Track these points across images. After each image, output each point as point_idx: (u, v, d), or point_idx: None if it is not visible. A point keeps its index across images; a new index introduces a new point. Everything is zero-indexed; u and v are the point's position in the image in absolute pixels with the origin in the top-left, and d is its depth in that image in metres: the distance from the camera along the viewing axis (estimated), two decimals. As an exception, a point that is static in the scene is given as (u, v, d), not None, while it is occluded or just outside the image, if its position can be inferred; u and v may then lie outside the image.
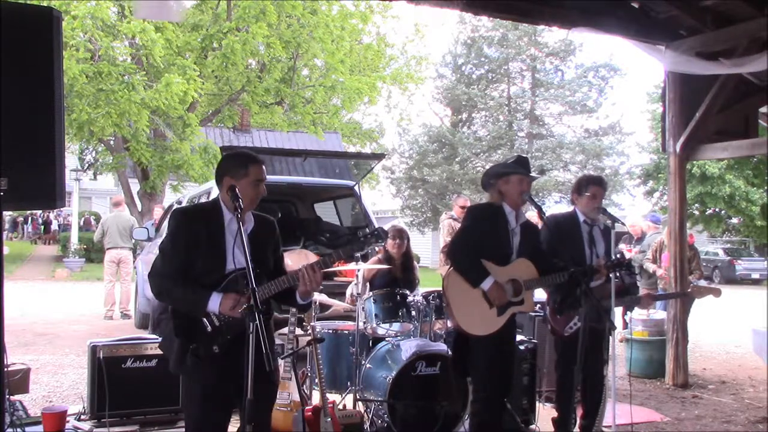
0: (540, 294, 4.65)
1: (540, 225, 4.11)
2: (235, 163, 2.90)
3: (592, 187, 4.20)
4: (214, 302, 2.77)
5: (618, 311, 7.42)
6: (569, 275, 3.75)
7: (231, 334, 2.81)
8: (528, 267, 3.77)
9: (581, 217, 4.24)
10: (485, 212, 3.87)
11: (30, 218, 34.69)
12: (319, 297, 4.85)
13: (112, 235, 10.33)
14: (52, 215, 32.50)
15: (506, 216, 3.79)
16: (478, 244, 3.73)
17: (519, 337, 4.63)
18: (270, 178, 3.18)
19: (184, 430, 3.01)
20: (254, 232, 2.91)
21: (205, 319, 2.82)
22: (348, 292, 5.49)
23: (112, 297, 10.39)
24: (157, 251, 2.95)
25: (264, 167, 2.93)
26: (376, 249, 5.48)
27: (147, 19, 11.66)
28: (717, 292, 4.67)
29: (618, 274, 4.03)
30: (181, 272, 2.81)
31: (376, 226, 7.02)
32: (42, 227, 33.24)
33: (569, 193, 4.49)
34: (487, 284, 3.64)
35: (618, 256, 4.17)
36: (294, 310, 4.17)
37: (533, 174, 3.86)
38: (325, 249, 7.01)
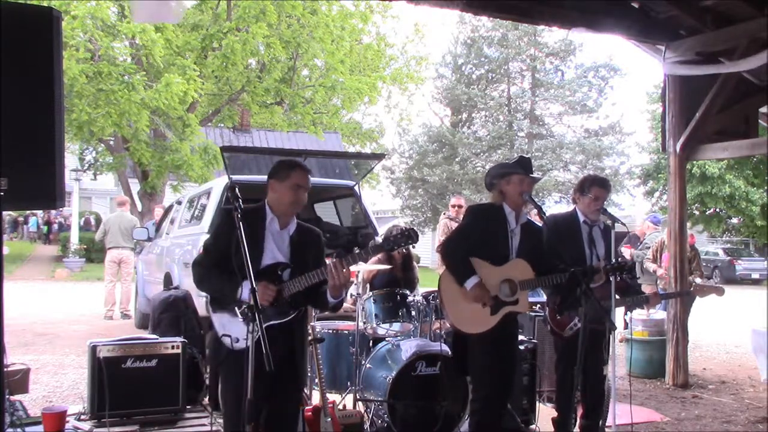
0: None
1: (540, 224, 4.11)
2: (281, 167, 3.10)
3: (595, 188, 4.17)
4: (246, 290, 2.88)
5: (619, 311, 7.41)
6: (569, 275, 3.75)
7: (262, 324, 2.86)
8: (524, 267, 3.77)
9: (581, 218, 4.22)
10: (486, 212, 3.87)
11: (31, 217, 34.64)
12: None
13: (113, 234, 10.33)
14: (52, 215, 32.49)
15: (506, 216, 3.78)
16: (473, 243, 3.73)
17: (519, 337, 4.62)
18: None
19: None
20: (296, 235, 3.11)
21: (237, 309, 2.95)
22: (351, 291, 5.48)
23: (112, 297, 10.38)
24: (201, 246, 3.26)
25: (309, 176, 3.09)
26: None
27: (146, 22, 11.65)
28: (720, 291, 4.66)
29: (620, 277, 4.02)
30: (219, 264, 2.97)
31: (377, 226, 7.07)
32: (45, 227, 33.17)
33: (570, 192, 4.47)
34: (470, 283, 3.64)
35: (619, 259, 4.14)
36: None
37: (535, 175, 3.86)
38: (325, 249, 6.99)
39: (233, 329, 2.96)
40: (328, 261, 3.08)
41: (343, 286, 2.98)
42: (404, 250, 5.18)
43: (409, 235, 2.93)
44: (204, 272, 3.06)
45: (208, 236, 3.26)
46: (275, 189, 3.06)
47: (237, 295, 2.93)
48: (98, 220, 24.71)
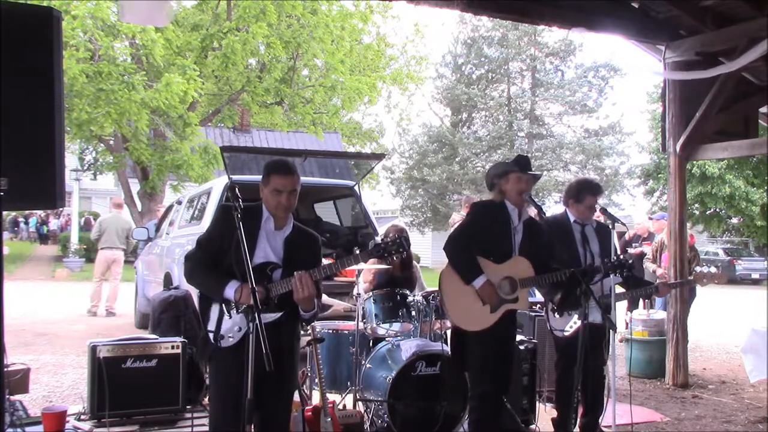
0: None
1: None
2: (264, 170, 3.06)
3: (590, 198, 4.23)
4: (231, 289, 2.89)
5: (620, 312, 7.39)
6: (570, 275, 3.77)
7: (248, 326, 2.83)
8: (525, 265, 3.80)
9: (572, 218, 4.28)
10: (488, 209, 3.91)
11: (31, 217, 34.57)
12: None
13: (109, 235, 10.41)
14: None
15: (509, 213, 3.82)
16: (477, 240, 3.76)
17: (519, 337, 4.63)
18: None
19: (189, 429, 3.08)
20: (290, 237, 3.07)
21: (225, 308, 2.93)
22: (354, 291, 5.48)
23: (98, 294, 10.52)
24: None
25: (294, 179, 3.02)
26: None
27: (134, 23, 11.63)
28: (722, 278, 4.58)
29: (621, 276, 4.05)
30: (211, 260, 2.98)
31: (377, 226, 7.07)
32: (44, 227, 33.10)
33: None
34: (478, 283, 3.67)
35: (617, 257, 4.15)
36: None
37: (533, 172, 3.87)
38: (325, 249, 7.00)
39: (222, 326, 2.94)
40: (325, 261, 3.08)
41: (308, 299, 2.89)
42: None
43: (400, 244, 2.94)
44: (194, 266, 3.04)
45: (203, 232, 3.21)
46: (262, 192, 3.04)
47: (222, 293, 2.91)
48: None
